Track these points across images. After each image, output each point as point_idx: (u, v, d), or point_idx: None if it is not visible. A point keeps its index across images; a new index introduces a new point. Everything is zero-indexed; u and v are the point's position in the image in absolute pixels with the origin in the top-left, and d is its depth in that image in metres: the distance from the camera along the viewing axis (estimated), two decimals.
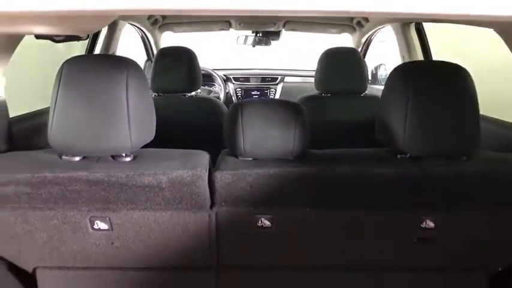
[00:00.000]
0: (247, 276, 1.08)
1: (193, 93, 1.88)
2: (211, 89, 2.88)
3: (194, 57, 1.83)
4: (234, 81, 2.94)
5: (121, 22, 2.21)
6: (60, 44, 1.01)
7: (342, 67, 1.77)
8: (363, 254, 1.06)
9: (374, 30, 2.27)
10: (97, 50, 2.11)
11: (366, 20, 2.14)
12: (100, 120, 0.88)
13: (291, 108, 1.01)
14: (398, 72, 1.00)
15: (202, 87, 2.53)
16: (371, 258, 1.07)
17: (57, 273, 1.06)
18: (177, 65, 1.77)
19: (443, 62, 0.99)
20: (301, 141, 0.98)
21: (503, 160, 1.02)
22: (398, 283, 1.10)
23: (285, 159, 0.99)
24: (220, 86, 2.86)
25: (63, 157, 0.95)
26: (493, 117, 1.35)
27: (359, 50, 2.42)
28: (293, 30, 2.68)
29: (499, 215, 0.99)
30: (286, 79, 2.95)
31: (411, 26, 1.90)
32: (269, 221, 0.99)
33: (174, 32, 2.70)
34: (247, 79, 2.95)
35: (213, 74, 2.85)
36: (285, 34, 2.80)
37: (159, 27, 2.47)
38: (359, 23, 2.29)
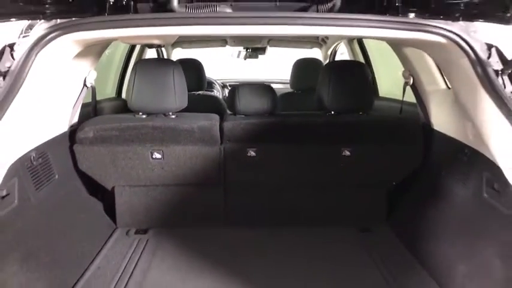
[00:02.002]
0: (243, 188, 1.79)
1: (200, 92, 2.63)
2: (211, 93, 3.62)
3: (201, 67, 2.59)
4: (229, 87, 3.69)
5: None
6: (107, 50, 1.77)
7: (307, 72, 2.54)
8: (312, 174, 1.76)
9: (334, 45, 3.05)
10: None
11: (327, 38, 2.93)
12: (159, 93, 1.61)
13: (268, 89, 1.76)
14: (326, 66, 1.75)
15: (205, 91, 3.27)
16: (317, 178, 1.78)
17: (128, 189, 1.76)
18: (190, 71, 2.50)
19: (352, 60, 1.75)
20: (272, 105, 1.72)
21: (384, 116, 1.76)
22: (334, 194, 1.81)
23: (263, 114, 1.73)
24: (218, 91, 3.61)
25: (136, 115, 1.67)
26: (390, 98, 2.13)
27: (328, 60, 3.19)
28: (275, 46, 3.46)
29: (384, 148, 1.71)
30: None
31: (354, 41, 2.68)
32: (254, 153, 1.70)
33: (183, 48, 3.46)
34: None
35: (214, 81, 3.60)
36: (270, 49, 3.58)
37: (172, 44, 3.22)
38: (323, 40, 3.08)
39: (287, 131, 1.72)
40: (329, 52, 3.25)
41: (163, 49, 3.32)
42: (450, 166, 1.47)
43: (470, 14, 1.14)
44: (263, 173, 1.75)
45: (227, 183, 1.76)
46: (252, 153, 1.70)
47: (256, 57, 3.52)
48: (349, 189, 1.81)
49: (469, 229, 1.29)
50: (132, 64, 2.53)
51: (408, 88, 1.79)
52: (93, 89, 1.80)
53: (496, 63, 1.10)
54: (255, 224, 1.77)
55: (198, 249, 1.59)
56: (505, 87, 1.10)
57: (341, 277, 1.41)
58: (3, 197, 1.12)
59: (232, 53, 3.64)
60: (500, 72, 1.09)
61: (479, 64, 1.10)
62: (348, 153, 1.71)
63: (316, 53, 3.44)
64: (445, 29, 1.13)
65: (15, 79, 1.06)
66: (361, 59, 2.67)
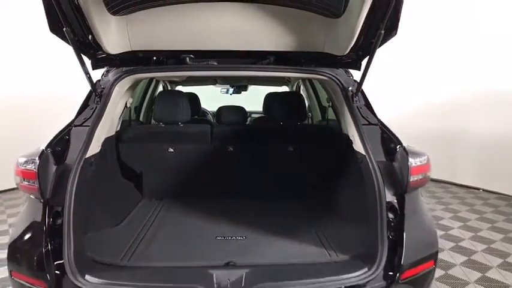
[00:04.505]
0: (226, 171, 2.74)
1: (196, 116, 3.65)
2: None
3: (198, 98, 3.64)
4: None
5: None
6: None
7: (279, 102, 3.60)
8: (269, 161, 2.74)
9: (295, 83, 4.15)
10: None
11: (289, 79, 4.03)
12: (172, 110, 2.62)
13: (240, 108, 2.82)
14: (268, 95, 2.80)
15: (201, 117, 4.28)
16: (272, 164, 2.75)
17: (150, 173, 2.71)
18: (190, 100, 3.53)
19: (291, 91, 2.81)
20: (243, 118, 2.75)
21: (312, 125, 2.79)
22: (284, 176, 2.78)
23: (238, 124, 2.75)
24: (210, 118, 4.66)
25: (157, 124, 2.67)
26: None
27: None
28: (254, 84, 4.58)
29: (314, 145, 2.71)
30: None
31: (306, 81, 3.78)
32: (232, 148, 2.68)
33: (183, 86, 4.55)
34: None
35: (207, 111, 4.66)
36: (250, 87, 4.69)
37: (177, 83, 4.31)
38: (288, 80, 4.19)
39: (253, 134, 2.73)
40: (294, 88, 4.37)
41: (168, 84, 4.41)
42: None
43: (341, 65, 2.19)
44: (238, 161, 2.73)
45: (216, 168, 2.73)
46: (231, 148, 2.69)
47: (239, 92, 4.61)
48: (293, 174, 2.79)
49: (356, 191, 2.02)
50: (149, 94, 3.61)
51: None
52: (130, 109, 2.81)
53: (352, 89, 2.12)
54: (233, 195, 2.71)
55: (196, 210, 2.52)
56: (358, 101, 2.11)
57: (283, 226, 2.21)
58: (91, 164, 2.04)
59: (221, 90, 4.74)
60: (354, 93, 2.10)
61: (344, 90, 2.11)
62: (291, 149, 2.71)
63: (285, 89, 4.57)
64: (328, 73, 2.16)
65: (105, 99, 2.03)
66: (311, 92, 3.77)
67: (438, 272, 2.95)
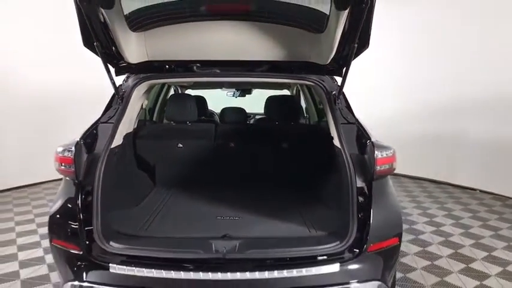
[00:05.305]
0: (227, 163, 3.12)
1: (203, 117, 4.05)
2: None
3: (205, 100, 4.04)
4: None
5: None
6: None
7: (276, 104, 3.97)
8: (266, 155, 3.11)
9: (295, 87, 4.53)
10: None
11: (289, 84, 4.40)
12: (182, 110, 3.01)
13: (241, 109, 3.20)
14: (268, 98, 3.17)
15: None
16: (268, 157, 3.12)
17: (162, 165, 3.11)
18: (197, 102, 3.94)
19: (287, 95, 3.18)
20: (243, 118, 3.14)
21: (304, 125, 3.16)
22: (278, 166, 3.13)
23: (238, 123, 3.13)
24: (217, 119, 5.06)
25: (169, 123, 3.07)
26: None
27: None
28: (258, 88, 4.96)
29: (305, 143, 3.07)
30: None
31: (303, 85, 4.14)
32: (233, 144, 3.06)
33: (193, 89, 4.96)
34: None
35: (214, 112, 5.05)
36: (256, 92, 5.08)
37: (187, 87, 4.72)
38: (288, 85, 4.56)
39: (252, 132, 3.11)
40: (294, 92, 4.74)
41: (179, 89, 4.83)
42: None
43: (326, 72, 2.55)
44: (238, 155, 3.10)
45: (218, 161, 3.11)
46: (232, 144, 3.07)
47: (244, 95, 5.01)
48: (285, 166, 3.15)
49: (335, 179, 2.34)
50: (161, 97, 4.03)
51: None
52: (145, 110, 3.21)
53: (335, 93, 2.47)
54: (232, 184, 3.07)
55: (200, 196, 2.89)
56: (340, 104, 2.47)
57: (273, 209, 2.53)
58: (115, 153, 2.43)
59: (228, 93, 5.15)
60: (336, 95, 2.45)
61: (327, 93, 2.47)
62: (286, 146, 3.07)
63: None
64: (314, 79, 2.52)
65: (126, 101, 2.43)
66: (308, 96, 4.14)
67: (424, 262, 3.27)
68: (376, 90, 6.40)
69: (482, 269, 3.14)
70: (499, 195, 5.34)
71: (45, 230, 3.75)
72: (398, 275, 2.99)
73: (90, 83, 5.68)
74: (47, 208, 4.65)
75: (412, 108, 6.22)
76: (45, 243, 3.58)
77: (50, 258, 3.25)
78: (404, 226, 4.09)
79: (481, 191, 5.56)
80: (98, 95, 5.23)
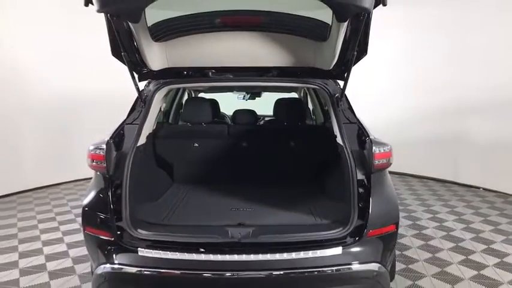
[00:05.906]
0: (239, 162, 3.37)
1: (216, 119, 4.31)
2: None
3: (217, 103, 4.29)
4: None
5: None
6: None
7: (284, 106, 4.21)
8: (276, 153, 3.34)
9: (301, 91, 4.76)
10: None
11: (297, 87, 4.64)
12: (198, 112, 3.27)
13: (252, 111, 3.45)
14: (277, 101, 3.41)
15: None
16: (278, 155, 3.35)
17: (180, 163, 3.37)
18: (211, 105, 4.20)
19: (294, 98, 3.43)
20: (254, 119, 3.39)
21: (310, 125, 3.40)
22: (287, 164, 3.38)
23: (249, 123, 3.39)
24: (228, 121, 5.32)
25: (186, 124, 3.33)
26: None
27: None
28: (267, 91, 5.21)
29: (311, 142, 3.30)
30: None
31: (310, 88, 4.38)
32: (245, 144, 3.31)
33: (206, 93, 5.23)
34: None
35: (226, 115, 5.32)
36: (266, 96, 5.33)
37: (200, 91, 5.00)
38: (296, 89, 4.80)
39: (262, 132, 3.35)
40: (301, 94, 4.98)
41: (193, 93, 5.10)
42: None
43: (330, 77, 2.79)
44: (249, 153, 3.35)
45: (231, 159, 3.36)
46: (244, 144, 3.32)
47: (254, 99, 5.26)
48: (293, 163, 3.39)
49: (338, 174, 2.53)
50: (176, 101, 4.31)
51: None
52: (163, 112, 3.48)
53: (338, 95, 2.70)
54: (245, 180, 3.32)
55: (215, 190, 3.13)
56: (343, 105, 2.69)
57: (283, 201, 2.80)
58: (140, 151, 2.67)
59: (238, 96, 5.41)
60: (339, 97, 2.68)
61: (331, 96, 2.70)
62: (293, 144, 3.31)
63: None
64: (318, 83, 2.75)
65: (148, 104, 2.69)
66: (314, 98, 4.37)
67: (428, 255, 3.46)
68: (385, 93, 6.63)
69: (481, 260, 3.32)
70: (502, 192, 5.49)
71: (66, 227, 4.11)
72: (401, 266, 3.19)
73: (107, 87, 6.01)
74: (67, 207, 4.93)
75: (419, 110, 6.41)
76: (68, 239, 3.87)
77: (73, 252, 3.55)
78: (409, 222, 4.29)
79: (484, 189, 5.71)
80: (113, 98, 5.61)
